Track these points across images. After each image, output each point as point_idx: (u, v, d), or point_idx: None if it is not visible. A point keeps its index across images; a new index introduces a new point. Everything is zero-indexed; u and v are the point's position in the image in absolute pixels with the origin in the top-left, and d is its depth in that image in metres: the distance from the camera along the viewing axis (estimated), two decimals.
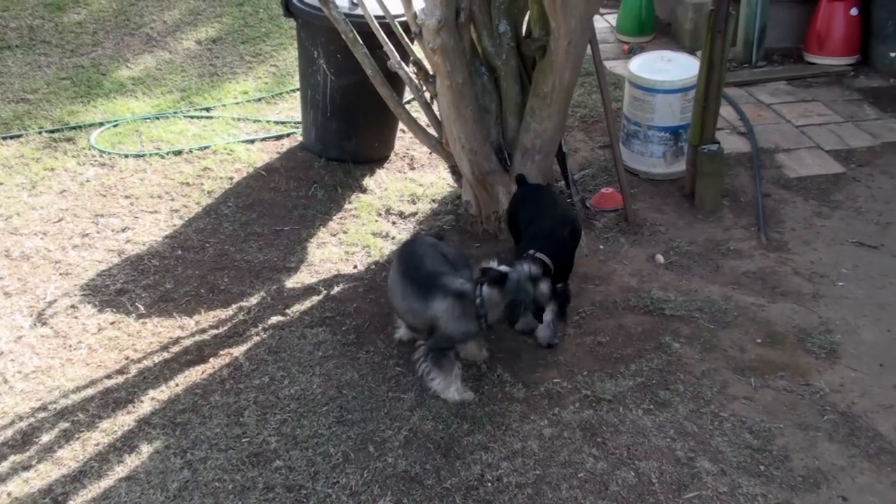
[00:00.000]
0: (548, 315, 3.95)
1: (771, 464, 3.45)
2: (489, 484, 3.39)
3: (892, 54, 6.88)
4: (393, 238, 5.03)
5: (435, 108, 4.97)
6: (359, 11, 4.94)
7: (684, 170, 5.43)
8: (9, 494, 3.40)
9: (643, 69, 5.53)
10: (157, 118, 6.36)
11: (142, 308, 4.46)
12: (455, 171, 5.13)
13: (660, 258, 4.82)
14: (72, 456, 3.59)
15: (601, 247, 4.92)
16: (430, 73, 4.74)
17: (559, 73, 4.53)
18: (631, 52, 7.32)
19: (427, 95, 4.99)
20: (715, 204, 5.24)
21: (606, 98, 5.16)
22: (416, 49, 4.72)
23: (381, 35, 4.81)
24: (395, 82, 5.11)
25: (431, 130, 5.17)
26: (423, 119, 5.23)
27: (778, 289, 4.54)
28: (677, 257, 4.81)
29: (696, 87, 5.15)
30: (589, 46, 4.87)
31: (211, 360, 4.11)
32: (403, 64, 4.97)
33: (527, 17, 4.88)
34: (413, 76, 4.96)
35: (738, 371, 3.95)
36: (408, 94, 5.64)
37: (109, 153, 5.87)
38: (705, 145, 5.12)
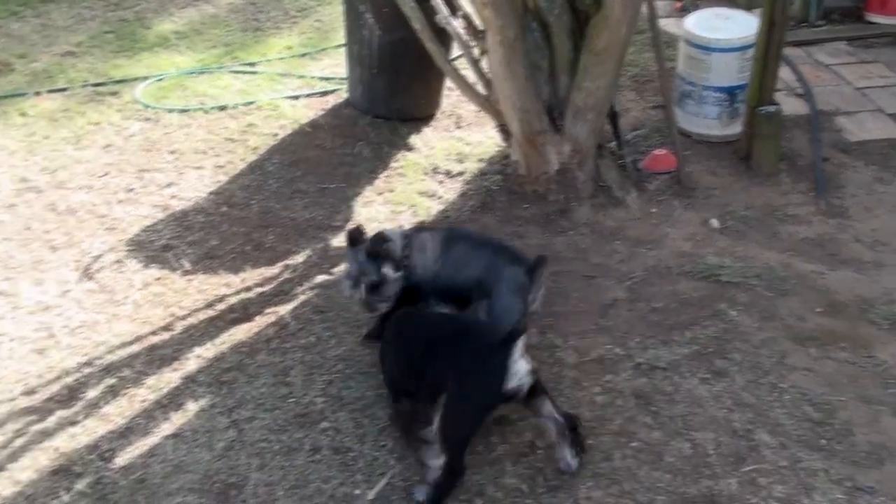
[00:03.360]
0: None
1: (833, 438, 3.33)
2: (540, 452, 3.31)
3: None
4: (440, 198, 4.93)
5: (483, 64, 4.84)
6: None
7: (740, 132, 5.26)
8: (56, 450, 3.39)
9: (699, 27, 5.34)
10: (202, 73, 6.29)
11: (187, 264, 4.42)
12: (504, 130, 5.00)
13: (714, 222, 4.68)
14: (118, 412, 3.56)
15: (653, 210, 4.78)
16: (480, 28, 4.61)
17: (614, 28, 4.39)
18: (684, 10, 7.09)
19: (475, 52, 4.86)
20: (772, 167, 5.07)
21: (661, 56, 5.00)
22: (466, 3, 4.59)
23: None
24: (443, 38, 4.98)
25: (479, 88, 5.04)
26: (470, 76, 5.11)
27: (838, 256, 4.39)
28: (733, 222, 4.67)
29: (755, 46, 4.97)
30: (644, 2, 4.73)
31: (257, 318, 4.06)
32: (452, 18, 4.84)
33: None
34: (462, 31, 4.83)
35: (798, 341, 3.82)
36: (454, 51, 5.51)
37: (154, 108, 5.81)
38: (763, 106, 4.95)
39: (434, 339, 3.28)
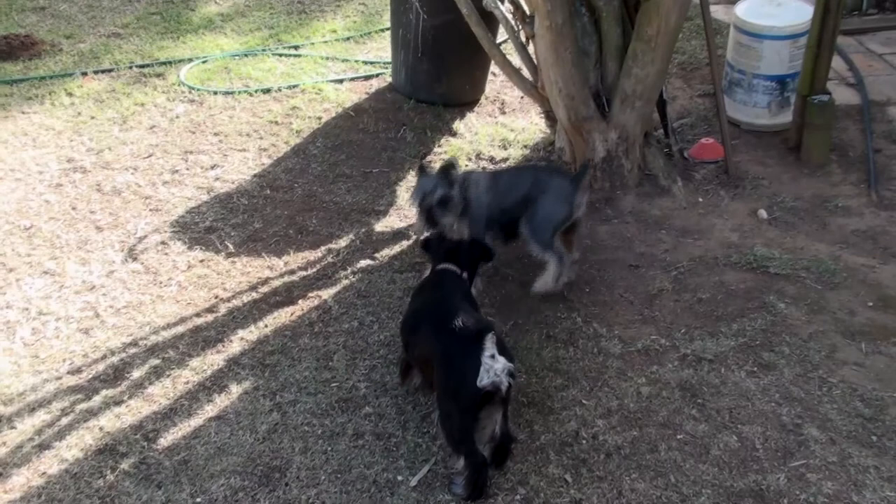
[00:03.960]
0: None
1: (884, 434, 3.26)
2: (584, 441, 3.28)
3: None
4: None
5: (531, 49, 4.79)
6: None
7: (790, 121, 5.16)
8: (101, 429, 3.42)
9: (751, 14, 5.24)
10: (246, 55, 6.30)
11: (231, 247, 4.43)
12: (549, 117, 4.95)
13: (763, 213, 4.60)
14: (162, 393, 3.58)
15: (700, 199, 4.71)
16: (528, 12, 4.56)
17: (665, 14, 4.32)
18: None
19: (522, 36, 4.81)
20: (823, 158, 4.97)
21: (712, 43, 4.91)
22: None
23: None
24: (489, 22, 4.93)
25: (525, 73, 4.99)
26: (515, 61, 5.06)
27: (890, 249, 4.30)
28: (781, 213, 4.59)
29: (808, 34, 4.86)
30: None
31: (300, 302, 4.06)
32: (499, 3, 4.79)
33: None
34: (509, 16, 4.78)
35: (848, 335, 3.75)
36: (501, 35, 5.46)
37: (199, 90, 5.83)
38: (816, 96, 4.85)
39: (427, 315, 3.33)
